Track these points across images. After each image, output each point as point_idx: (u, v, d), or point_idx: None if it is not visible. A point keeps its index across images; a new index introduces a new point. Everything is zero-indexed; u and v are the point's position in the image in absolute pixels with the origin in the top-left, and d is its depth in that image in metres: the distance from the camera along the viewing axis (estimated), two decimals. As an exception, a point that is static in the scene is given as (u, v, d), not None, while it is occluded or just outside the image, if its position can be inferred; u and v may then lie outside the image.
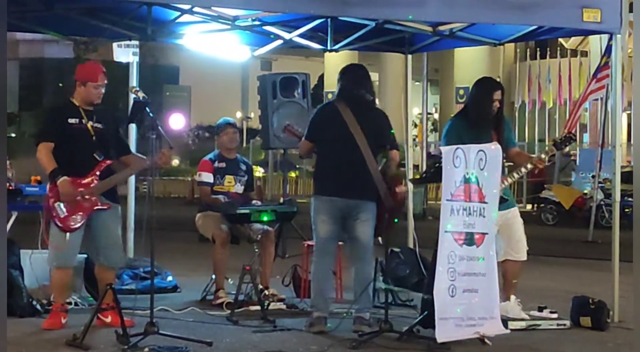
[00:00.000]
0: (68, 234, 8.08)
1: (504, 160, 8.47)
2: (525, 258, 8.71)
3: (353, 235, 8.33)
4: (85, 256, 8.80)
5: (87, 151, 8.18)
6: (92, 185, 8.14)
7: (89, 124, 8.23)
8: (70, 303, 8.73)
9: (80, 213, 8.10)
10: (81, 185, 8.09)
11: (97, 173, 8.17)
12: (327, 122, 8.39)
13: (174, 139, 8.26)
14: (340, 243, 8.64)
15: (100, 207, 8.17)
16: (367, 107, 8.35)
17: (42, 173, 12.46)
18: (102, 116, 8.35)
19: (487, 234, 7.86)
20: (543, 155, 8.71)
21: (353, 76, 8.49)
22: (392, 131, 8.36)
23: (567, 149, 8.89)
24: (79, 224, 8.10)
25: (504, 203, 8.26)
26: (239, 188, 9.98)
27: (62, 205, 8.07)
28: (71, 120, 8.20)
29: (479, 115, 8.53)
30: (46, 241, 8.21)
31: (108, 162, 8.24)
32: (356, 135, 8.20)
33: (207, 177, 9.90)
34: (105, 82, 8.32)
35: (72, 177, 8.06)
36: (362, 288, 8.24)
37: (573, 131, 22.29)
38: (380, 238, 8.56)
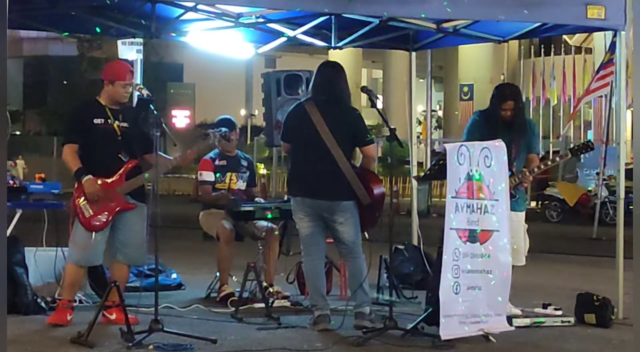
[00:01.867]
0: (94, 233, 8.10)
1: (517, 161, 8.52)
2: (520, 264, 8.64)
3: (335, 237, 8.35)
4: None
5: (112, 151, 8.17)
6: (117, 185, 8.15)
7: (115, 123, 8.21)
8: (74, 301, 8.74)
9: (106, 213, 8.12)
10: (107, 185, 8.11)
11: (123, 173, 8.17)
12: (295, 123, 8.39)
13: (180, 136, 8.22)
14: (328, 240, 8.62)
15: (125, 207, 8.18)
16: (336, 106, 8.28)
17: (45, 171, 12.52)
18: (128, 114, 8.33)
19: (497, 231, 7.85)
20: (527, 173, 8.64)
21: (323, 75, 8.44)
22: (365, 127, 8.37)
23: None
24: (104, 224, 8.12)
25: (512, 200, 8.23)
26: (241, 185, 9.99)
27: (87, 205, 8.08)
28: (97, 121, 8.17)
29: (492, 119, 8.56)
30: (71, 238, 8.22)
31: (134, 162, 8.24)
32: (324, 135, 8.18)
33: (208, 175, 9.91)
34: (133, 81, 8.31)
35: (98, 177, 8.07)
36: (355, 285, 8.26)
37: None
38: (366, 233, 8.57)
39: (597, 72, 19.03)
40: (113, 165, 8.17)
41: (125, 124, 8.26)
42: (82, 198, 8.09)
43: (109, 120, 8.20)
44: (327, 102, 8.28)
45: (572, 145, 9.04)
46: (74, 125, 8.34)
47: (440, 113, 53.59)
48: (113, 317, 8.08)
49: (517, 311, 8.61)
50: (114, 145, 8.19)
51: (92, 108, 8.27)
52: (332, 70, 8.48)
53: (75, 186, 8.16)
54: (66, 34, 10.57)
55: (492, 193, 7.85)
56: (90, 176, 8.05)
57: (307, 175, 8.29)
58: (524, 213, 8.79)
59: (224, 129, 8.55)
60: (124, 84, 8.21)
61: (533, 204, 29.01)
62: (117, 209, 8.16)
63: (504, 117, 8.54)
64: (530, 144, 8.75)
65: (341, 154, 8.17)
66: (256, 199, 9.86)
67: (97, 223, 8.11)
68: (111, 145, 8.18)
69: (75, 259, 8.26)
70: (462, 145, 7.78)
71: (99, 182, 8.08)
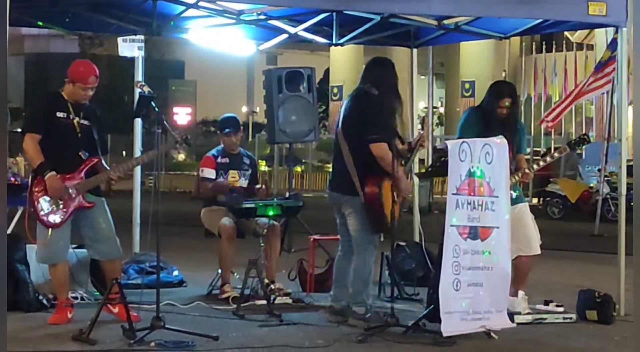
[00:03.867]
0: (50, 229, 8.06)
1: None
2: (537, 252, 8.67)
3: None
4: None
5: (72, 148, 8.13)
6: (77, 182, 8.11)
7: (76, 120, 8.18)
8: (76, 298, 8.75)
9: (64, 210, 8.08)
10: (66, 181, 8.06)
11: (83, 171, 8.14)
12: None
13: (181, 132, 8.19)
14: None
15: (84, 204, 8.16)
16: (355, 102, 8.37)
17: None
18: (90, 113, 8.30)
19: (496, 227, 7.85)
20: (527, 170, 8.63)
21: (363, 70, 8.59)
22: (371, 124, 8.15)
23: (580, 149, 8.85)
24: (61, 221, 8.08)
25: (512, 199, 8.26)
26: (243, 182, 9.99)
27: (46, 200, 8.05)
28: (59, 114, 8.14)
29: (488, 116, 8.53)
30: (28, 235, 8.17)
31: (94, 160, 8.22)
32: (337, 131, 8.37)
33: (209, 173, 9.92)
34: (96, 85, 8.22)
35: (57, 172, 8.03)
36: (355, 283, 8.28)
37: (555, 124, 22.08)
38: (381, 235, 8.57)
39: (597, 70, 18.93)
40: (71, 162, 8.13)
41: (85, 122, 8.22)
42: (42, 193, 8.05)
43: (70, 116, 8.17)
44: (353, 98, 8.41)
45: (574, 139, 9.05)
46: (38, 116, 8.28)
47: (441, 110, 53.55)
48: (116, 310, 8.07)
49: (524, 306, 8.58)
50: (74, 142, 8.15)
51: (56, 101, 8.22)
52: (371, 65, 8.56)
53: (33, 179, 8.11)
54: (68, 27, 10.51)
55: (493, 190, 7.84)
56: (54, 172, 8.00)
57: (331, 169, 8.73)
58: (527, 203, 8.79)
59: (186, 136, 8.40)
60: (83, 87, 8.16)
61: (535, 200, 29.00)
62: (75, 206, 8.12)
63: (499, 115, 8.51)
64: (520, 143, 8.75)
65: (347, 149, 8.22)
66: (257, 186, 9.89)
67: (54, 220, 8.06)
68: (71, 141, 8.14)
69: (39, 257, 8.27)
70: (463, 142, 7.77)
71: (66, 178, 8.07)
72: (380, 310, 8.32)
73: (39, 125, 8.15)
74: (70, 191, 8.05)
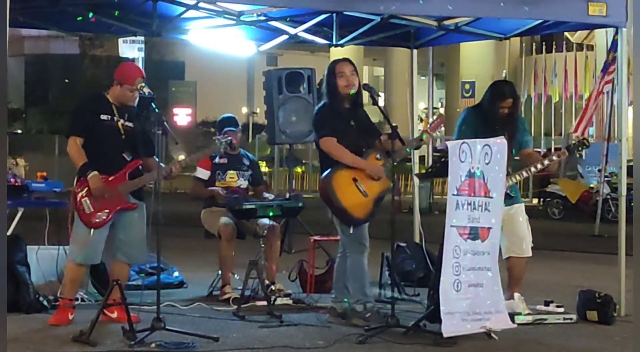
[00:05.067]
0: (92, 230, 8.06)
1: (514, 158, 8.51)
2: (528, 255, 8.68)
3: None
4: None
5: (116, 150, 8.14)
6: (120, 184, 8.13)
7: (120, 122, 8.18)
8: (76, 299, 8.74)
9: (107, 210, 8.08)
10: (110, 183, 8.08)
11: (127, 172, 8.16)
12: None
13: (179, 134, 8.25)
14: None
15: (126, 206, 8.17)
16: None
17: (47, 169, 12.50)
18: (134, 114, 8.30)
19: (492, 228, 7.85)
20: (555, 157, 8.65)
21: None
22: (315, 122, 8.40)
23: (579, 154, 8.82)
24: (104, 221, 8.09)
25: (509, 199, 8.28)
26: (242, 183, 9.99)
27: (88, 201, 8.06)
28: (103, 117, 8.14)
29: (489, 116, 8.52)
30: (70, 235, 8.17)
31: (138, 162, 8.22)
32: None
33: (201, 173, 9.96)
34: (142, 85, 8.28)
35: (100, 174, 8.05)
36: (352, 281, 8.30)
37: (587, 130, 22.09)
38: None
39: (605, 71, 18.85)
40: (115, 164, 8.14)
41: (129, 124, 8.23)
42: (84, 194, 8.08)
43: (115, 118, 8.18)
44: None
45: (573, 143, 9.05)
46: (81, 118, 8.28)
47: (442, 110, 53.58)
48: (114, 315, 8.06)
49: (522, 307, 8.58)
50: (118, 144, 8.15)
51: (100, 103, 8.24)
52: None
53: (77, 180, 8.12)
54: (68, 28, 10.52)
55: (489, 190, 7.84)
56: (96, 172, 8.01)
57: None
58: (522, 204, 8.79)
59: (229, 138, 8.56)
60: (131, 88, 8.17)
61: (535, 201, 28.99)
62: (118, 207, 8.13)
63: (500, 115, 8.51)
64: (522, 140, 8.75)
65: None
66: (265, 194, 9.90)
67: (97, 220, 8.07)
68: (115, 143, 8.14)
69: (73, 257, 8.24)
70: (463, 142, 7.76)
71: (110, 179, 8.08)
72: (381, 310, 8.32)
73: (82, 128, 8.16)
74: (113, 191, 8.07)
